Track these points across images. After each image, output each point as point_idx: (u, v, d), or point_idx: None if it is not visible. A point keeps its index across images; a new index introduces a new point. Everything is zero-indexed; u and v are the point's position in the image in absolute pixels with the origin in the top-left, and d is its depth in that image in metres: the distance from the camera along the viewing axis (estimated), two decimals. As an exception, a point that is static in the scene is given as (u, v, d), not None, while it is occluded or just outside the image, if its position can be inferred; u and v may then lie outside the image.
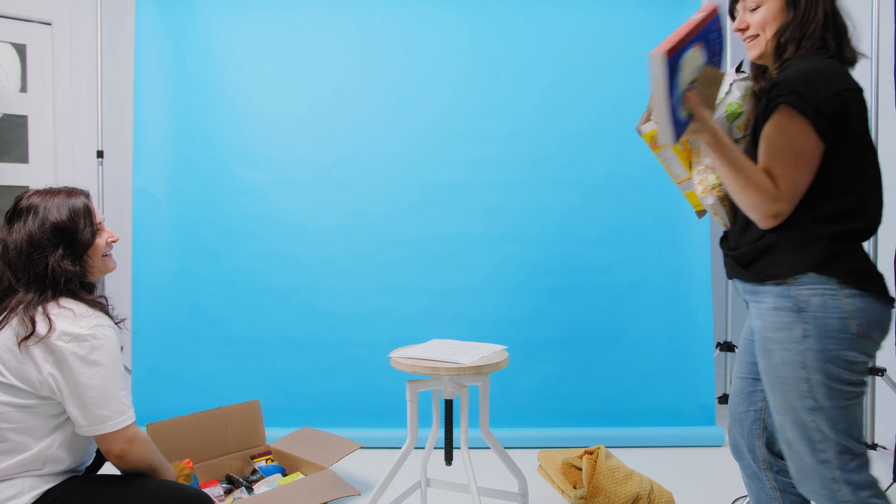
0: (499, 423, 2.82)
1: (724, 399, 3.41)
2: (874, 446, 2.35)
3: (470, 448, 1.93)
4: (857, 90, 1.35)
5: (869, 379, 2.33)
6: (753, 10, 1.48)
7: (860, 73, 2.60)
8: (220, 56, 3.07)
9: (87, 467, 1.63)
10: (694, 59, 1.32)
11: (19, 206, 1.56)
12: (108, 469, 1.61)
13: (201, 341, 3.02)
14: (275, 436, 2.74)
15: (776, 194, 1.33)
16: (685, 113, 1.32)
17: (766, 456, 1.59)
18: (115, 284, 3.57)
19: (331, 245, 3.05)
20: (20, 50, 3.29)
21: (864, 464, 1.34)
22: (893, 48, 2.24)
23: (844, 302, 1.32)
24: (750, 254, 1.44)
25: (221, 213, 3.05)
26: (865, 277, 1.33)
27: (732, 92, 1.52)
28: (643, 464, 2.69)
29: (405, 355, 1.85)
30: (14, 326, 1.44)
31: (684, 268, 3.03)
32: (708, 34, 1.37)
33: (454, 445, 1.92)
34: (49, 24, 3.32)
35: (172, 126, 3.06)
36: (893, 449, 2.39)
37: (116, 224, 3.53)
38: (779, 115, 1.34)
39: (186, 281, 3.03)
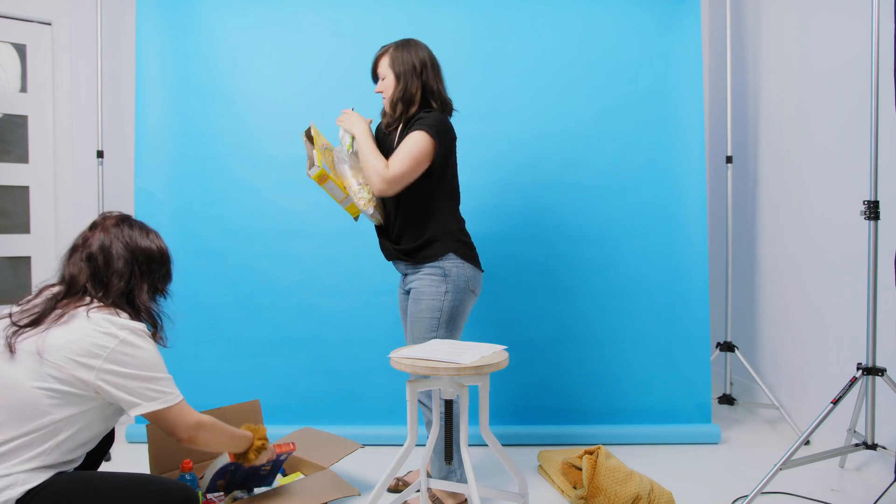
0: (498, 420, 2.85)
1: (724, 399, 3.41)
2: (874, 446, 2.35)
3: (469, 445, 1.95)
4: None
5: (868, 379, 2.33)
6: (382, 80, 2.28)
7: (860, 73, 2.60)
8: (222, 56, 3.07)
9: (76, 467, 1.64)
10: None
11: (112, 214, 1.69)
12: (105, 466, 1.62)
13: (203, 340, 3.03)
14: (276, 434, 2.74)
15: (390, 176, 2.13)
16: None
17: None
18: (116, 284, 3.57)
19: (332, 245, 3.05)
20: (20, 50, 3.29)
21: None
22: (893, 48, 2.23)
23: (467, 271, 2.21)
24: (415, 248, 2.23)
25: (223, 213, 3.06)
26: (473, 256, 2.26)
27: (345, 138, 2.30)
28: (641, 461, 2.70)
29: (405, 355, 1.85)
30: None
31: (681, 267, 3.04)
32: None
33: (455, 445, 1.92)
34: (49, 24, 3.32)
35: (173, 126, 3.07)
36: None
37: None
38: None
39: (188, 280, 3.03)
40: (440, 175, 2.20)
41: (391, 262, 2.38)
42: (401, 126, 2.25)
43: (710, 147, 3.91)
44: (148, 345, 1.60)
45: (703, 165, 3.07)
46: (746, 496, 2.25)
